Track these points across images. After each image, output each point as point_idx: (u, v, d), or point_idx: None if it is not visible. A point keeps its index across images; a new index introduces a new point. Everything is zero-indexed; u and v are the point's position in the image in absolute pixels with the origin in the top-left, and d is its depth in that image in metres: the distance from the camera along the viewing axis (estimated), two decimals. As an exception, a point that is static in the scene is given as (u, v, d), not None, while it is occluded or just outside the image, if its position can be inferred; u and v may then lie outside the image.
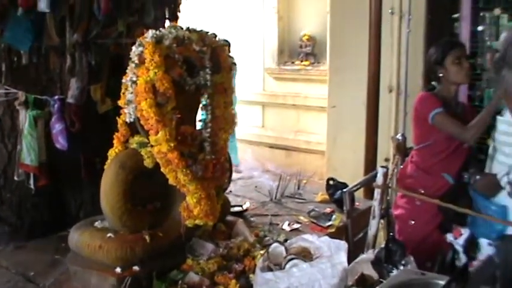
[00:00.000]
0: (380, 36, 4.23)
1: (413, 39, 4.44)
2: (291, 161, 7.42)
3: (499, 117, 3.10)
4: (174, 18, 3.65)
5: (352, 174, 4.41)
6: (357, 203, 3.79)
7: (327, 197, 3.97)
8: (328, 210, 3.73)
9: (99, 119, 3.22)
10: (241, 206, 3.67)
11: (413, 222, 3.38)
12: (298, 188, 4.23)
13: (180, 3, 3.75)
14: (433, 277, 2.25)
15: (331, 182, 4.02)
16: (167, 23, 3.57)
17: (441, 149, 3.30)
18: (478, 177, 3.16)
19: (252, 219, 3.52)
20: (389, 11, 4.53)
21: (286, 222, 3.49)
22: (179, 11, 3.75)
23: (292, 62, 7.58)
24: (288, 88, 7.72)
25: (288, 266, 2.67)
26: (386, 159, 4.68)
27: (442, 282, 2.11)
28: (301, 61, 7.42)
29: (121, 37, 3.18)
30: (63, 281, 2.68)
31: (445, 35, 4.85)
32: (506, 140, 2.99)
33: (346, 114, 5.18)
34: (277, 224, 3.46)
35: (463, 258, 3.02)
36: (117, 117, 2.74)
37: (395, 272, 2.61)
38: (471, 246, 3.03)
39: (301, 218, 3.60)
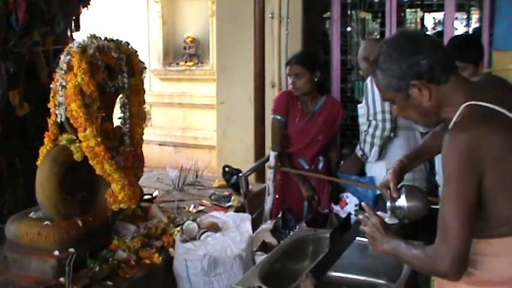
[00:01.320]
0: (264, 37, 4.61)
1: (291, 40, 5.05)
2: (179, 157, 7.83)
3: (358, 105, 3.89)
4: (77, 27, 3.97)
5: (242, 163, 4.75)
6: (250, 186, 4.30)
7: (223, 182, 4.41)
8: (226, 193, 4.22)
9: (18, 122, 3.49)
10: (150, 194, 4.07)
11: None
12: (196, 177, 4.68)
13: (80, 14, 4.08)
14: (324, 232, 2.82)
15: (226, 169, 4.47)
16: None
17: (293, 142, 3.97)
18: (342, 162, 3.98)
19: (161, 205, 3.92)
20: (270, 15, 5.08)
21: (192, 206, 3.91)
22: (80, 21, 4.08)
23: (177, 63, 8.01)
24: (173, 88, 8.13)
25: (202, 237, 3.15)
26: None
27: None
28: (186, 62, 7.88)
29: (36, 46, 3.47)
30: (3, 269, 2.92)
31: (319, 35, 5.53)
32: (362, 121, 3.77)
33: (234, 109, 5.68)
34: (184, 208, 3.89)
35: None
36: (35, 119, 3.07)
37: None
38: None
39: (204, 201, 4.03)
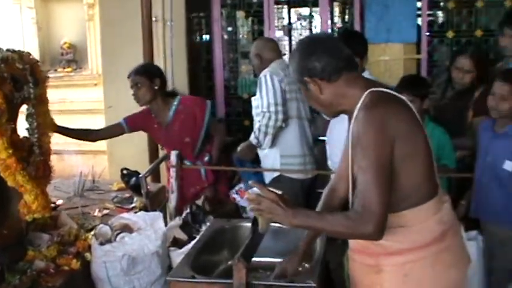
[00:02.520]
0: (152, 41, 4.74)
1: (176, 42, 5.19)
2: (64, 164, 7.67)
3: (252, 98, 4.26)
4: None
5: (135, 165, 4.76)
6: (148, 186, 4.41)
7: (122, 185, 4.47)
8: (127, 195, 4.28)
9: None
10: (54, 202, 4.05)
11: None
12: (94, 182, 4.70)
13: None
14: (238, 221, 3.04)
15: (125, 172, 4.55)
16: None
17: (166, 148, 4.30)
18: (238, 148, 4.24)
19: (66, 212, 3.93)
20: (153, 18, 5.18)
21: (97, 210, 3.94)
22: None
23: (55, 70, 7.84)
24: (52, 95, 7.89)
25: (118, 238, 3.25)
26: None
27: (247, 224, 2.88)
28: (64, 68, 7.74)
29: None
30: None
31: (202, 36, 5.69)
32: (257, 112, 4.13)
33: (123, 113, 5.67)
34: (89, 213, 3.93)
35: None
36: None
37: (203, 227, 3.35)
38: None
39: (107, 204, 4.08)
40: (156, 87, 4.05)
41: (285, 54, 5.26)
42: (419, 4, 5.31)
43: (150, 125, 4.22)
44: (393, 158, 2.06)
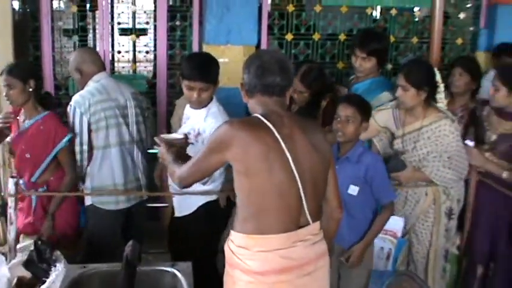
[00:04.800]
0: None
1: (1, 41, 4.71)
2: None
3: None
4: None
5: None
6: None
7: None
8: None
9: None
10: None
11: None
12: None
13: None
14: (96, 267, 2.85)
15: None
16: None
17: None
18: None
19: None
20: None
21: None
22: None
23: None
24: None
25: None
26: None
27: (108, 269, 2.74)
28: None
29: None
30: None
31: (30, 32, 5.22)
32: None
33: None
34: None
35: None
36: None
37: (54, 270, 3.08)
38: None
39: None
40: (30, 90, 3.77)
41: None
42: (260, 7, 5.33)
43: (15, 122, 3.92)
44: (243, 175, 2.42)
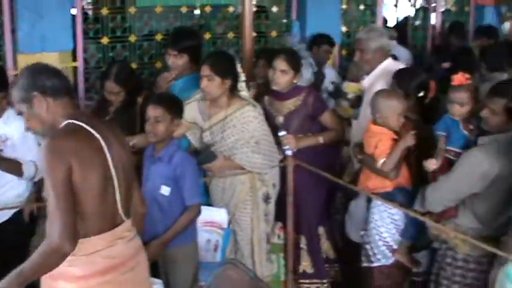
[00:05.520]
0: None
1: None
2: None
3: None
4: None
5: None
6: None
7: None
8: None
9: None
10: None
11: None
12: None
13: None
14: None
15: None
16: None
17: None
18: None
19: None
20: None
21: None
22: None
23: None
24: None
25: None
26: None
27: None
28: None
29: None
30: None
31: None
32: None
33: None
34: None
35: None
36: None
37: None
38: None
39: None
40: None
41: None
42: (74, 11, 5.22)
43: None
44: (74, 183, 2.30)
